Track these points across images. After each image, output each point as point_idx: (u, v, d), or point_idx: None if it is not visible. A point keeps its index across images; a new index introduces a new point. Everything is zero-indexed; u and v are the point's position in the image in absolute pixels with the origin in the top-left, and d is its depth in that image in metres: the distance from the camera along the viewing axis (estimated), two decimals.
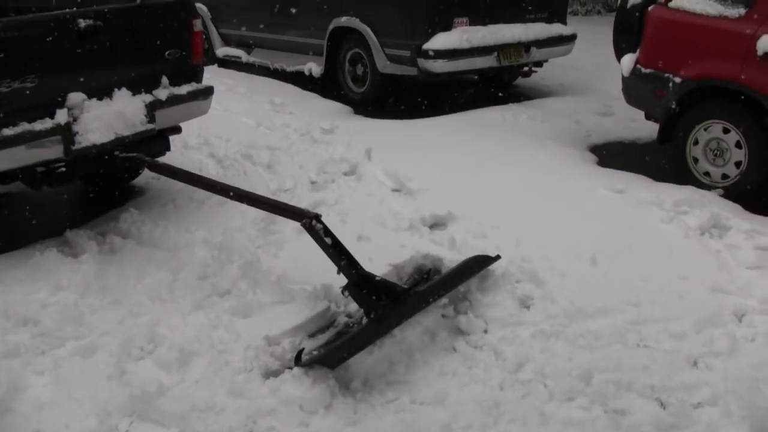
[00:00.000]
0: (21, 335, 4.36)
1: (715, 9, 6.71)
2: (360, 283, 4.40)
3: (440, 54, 9.39)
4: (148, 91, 5.67)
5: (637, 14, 7.38)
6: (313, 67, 10.90)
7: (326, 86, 10.72)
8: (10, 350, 4.19)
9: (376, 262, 4.83)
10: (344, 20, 10.37)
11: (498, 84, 11.26)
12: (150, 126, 5.59)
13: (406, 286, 4.60)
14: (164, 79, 5.80)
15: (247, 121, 8.54)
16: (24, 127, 4.95)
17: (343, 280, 4.42)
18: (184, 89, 5.92)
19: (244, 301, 4.66)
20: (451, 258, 5.14)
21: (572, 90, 10.89)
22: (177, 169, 5.46)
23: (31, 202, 6.19)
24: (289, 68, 11.33)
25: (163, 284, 4.88)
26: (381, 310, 4.27)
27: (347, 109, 9.89)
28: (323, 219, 4.60)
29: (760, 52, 6.27)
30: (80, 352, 4.19)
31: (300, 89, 10.56)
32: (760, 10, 6.42)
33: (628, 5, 7.50)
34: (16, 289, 4.83)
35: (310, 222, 4.54)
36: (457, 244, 5.38)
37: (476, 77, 11.52)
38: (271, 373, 4.00)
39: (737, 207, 6.19)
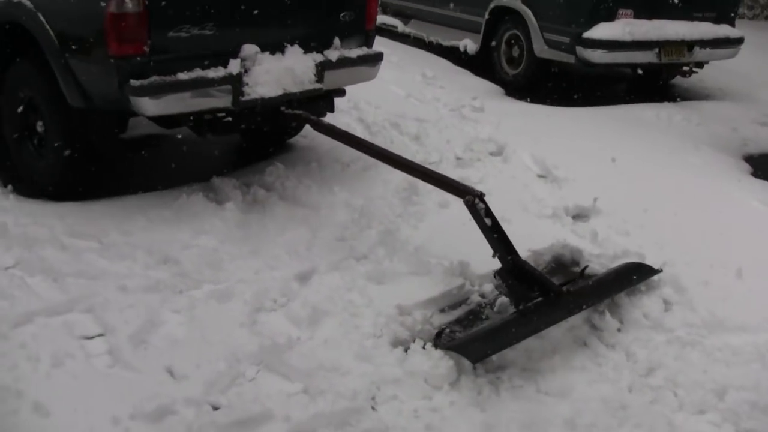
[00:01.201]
0: (161, 272, 4.47)
1: None
2: (514, 271, 4.29)
3: (600, 44, 9.19)
4: (320, 50, 5.64)
5: None
6: (469, 44, 10.83)
7: (479, 64, 10.62)
8: (150, 285, 4.31)
9: (517, 245, 4.77)
10: (505, 0, 10.25)
11: (655, 81, 10.97)
12: (318, 85, 5.57)
13: (560, 285, 4.42)
14: (336, 41, 5.77)
15: (398, 90, 8.53)
16: (198, 73, 4.99)
17: (492, 263, 4.36)
18: (354, 53, 5.86)
19: (379, 268, 4.66)
20: (591, 251, 5.05)
21: (731, 95, 10.51)
22: (341, 130, 5.44)
23: (182, 147, 6.33)
24: (445, 43, 11.28)
25: (302, 241, 4.94)
26: (531, 304, 4.17)
27: (498, 89, 9.79)
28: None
29: None
30: (216, 296, 4.27)
31: (452, 65, 10.50)
32: None
33: None
34: (162, 228, 4.96)
35: (473, 200, 4.43)
36: (599, 238, 5.29)
37: (633, 71, 11.23)
38: (399, 342, 4.01)
39: None
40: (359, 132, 6.82)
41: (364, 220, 5.17)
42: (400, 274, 4.63)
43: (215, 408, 3.48)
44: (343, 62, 5.75)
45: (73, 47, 4.95)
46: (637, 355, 4.13)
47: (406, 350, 3.93)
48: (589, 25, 9.27)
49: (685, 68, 10.47)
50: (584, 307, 4.31)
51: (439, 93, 8.72)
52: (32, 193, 5.44)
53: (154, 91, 4.82)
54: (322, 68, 5.56)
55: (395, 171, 5.44)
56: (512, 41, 10.39)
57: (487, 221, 4.40)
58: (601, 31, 9.22)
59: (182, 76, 4.93)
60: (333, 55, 5.69)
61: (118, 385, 3.55)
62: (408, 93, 8.50)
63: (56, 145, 5.32)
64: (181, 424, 3.35)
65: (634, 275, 4.68)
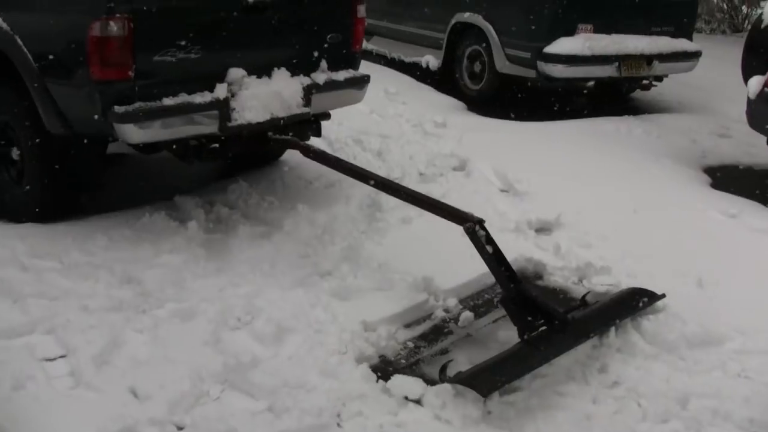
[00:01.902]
0: (124, 292, 4.45)
1: None
2: (517, 299, 4.22)
3: (561, 59, 9.25)
4: (307, 73, 5.56)
5: None
6: (431, 60, 10.88)
7: (442, 80, 10.67)
8: (112, 305, 4.29)
9: (479, 260, 4.78)
10: (467, 16, 10.31)
11: (615, 95, 11.07)
12: (305, 110, 5.50)
13: (565, 312, 4.34)
14: (323, 63, 5.69)
15: (360, 106, 8.52)
16: (184, 98, 4.92)
17: (456, 278, 4.34)
18: (341, 75, 5.80)
19: (343, 284, 4.67)
20: (555, 264, 5.09)
21: (690, 108, 10.62)
22: (332, 156, 5.38)
23: (143, 165, 6.30)
24: (407, 59, 11.34)
25: (266, 258, 4.93)
26: (537, 333, 4.11)
27: (461, 104, 9.82)
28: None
29: None
30: (179, 315, 4.25)
31: (415, 81, 10.53)
32: None
33: (763, 25, 7.29)
34: (124, 247, 4.94)
35: (474, 227, 4.34)
36: (561, 251, 5.33)
37: (593, 85, 11.34)
38: (364, 359, 4.01)
39: None
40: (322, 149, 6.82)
41: (327, 237, 5.17)
42: (365, 290, 4.63)
43: (180, 428, 3.47)
44: (331, 85, 5.68)
45: (53, 71, 4.88)
46: (601, 367, 4.14)
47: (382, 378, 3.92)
48: (550, 40, 9.32)
49: (645, 82, 10.56)
50: (591, 335, 4.25)
51: (401, 109, 8.74)
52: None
53: (139, 118, 4.73)
54: (309, 92, 5.49)
55: (358, 187, 5.48)
56: (474, 57, 10.44)
57: (489, 248, 4.32)
58: (562, 46, 9.29)
59: (168, 101, 4.85)
60: (320, 78, 5.61)
61: (80, 407, 3.52)
62: (371, 109, 8.51)
63: (33, 172, 5.23)
64: None
65: (637, 301, 4.62)
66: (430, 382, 3.90)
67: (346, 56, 5.91)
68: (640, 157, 7.84)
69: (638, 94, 11.19)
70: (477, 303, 4.83)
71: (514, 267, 4.89)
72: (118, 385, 3.68)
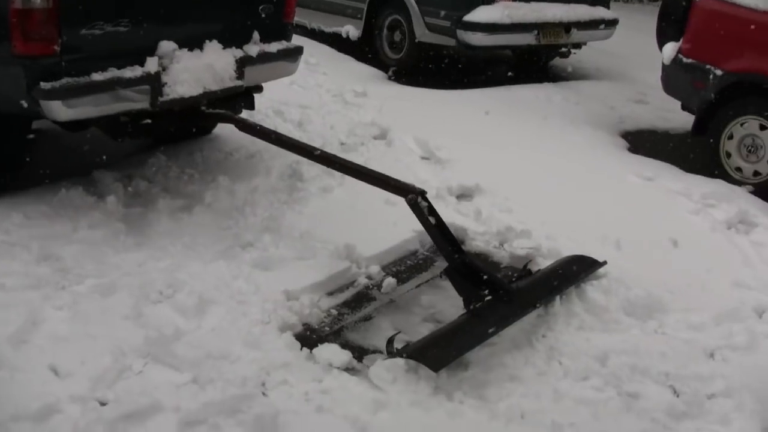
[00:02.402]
0: (42, 269, 4.35)
1: (765, 3, 6.61)
2: (462, 269, 4.21)
3: (480, 27, 9.30)
4: (239, 46, 5.43)
5: (684, 3, 7.28)
6: (351, 30, 10.83)
7: (362, 50, 10.65)
8: (30, 283, 4.19)
9: (401, 226, 4.84)
10: None
11: (535, 63, 11.17)
12: (238, 82, 5.38)
13: (509, 282, 4.37)
14: (255, 35, 5.57)
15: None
16: (113, 73, 4.72)
17: (378, 244, 4.34)
18: (274, 47, 5.68)
19: (265, 255, 4.66)
20: (476, 229, 5.15)
21: (608, 75, 10.79)
22: (269, 130, 5.28)
23: (58, 140, 6.17)
24: (327, 29, 11.27)
25: (186, 231, 4.88)
26: (483, 303, 4.11)
27: (381, 74, 9.83)
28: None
29: None
30: (99, 291, 4.19)
31: (335, 51, 10.49)
32: None
33: None
34: (41, 223, 4.82)
35: (416, 198, 4.31)
36: (482, 217, 5.39)
37: (512, 53, 11.42)
38: (287, 327, 4.01)
39: (766, 205, 6.16)
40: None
41: (248, 208, 5.14)
42: (287, 260, 4.63)
43: (102, 404, 3.41)
44: (264, 57, 5.57)
45: None
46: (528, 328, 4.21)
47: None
48: (469, 8, 9.36)
49: (564, 50, 10.71)
50: (537, 305, 4.27)
51: (322, 79, 8.71)
52: None
53: (67, 94, 4.52)
54: (242, 64, 5.37)
55: (278, 158, 5.46)
56: (394, 26, 10.43)
57: (432, 220, 4.31)
58: (481, 14, 9.33)
59: (97, 76, 4.65)
60: (253, 50, 5.48)
61: None
62: (291, 80, 8.42)
63: None
64: (67, 422, 3.27)
65: (579, 268, 4.66)
66: (356, 349, 3.93)
67: (278, 27, 5.80)
68: (559, 124, 7.96)
69: (557, 61, 11.33)
70: (399, 269, 4.87)
71: None
72: (37, 364, 3.60)
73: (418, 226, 4.90)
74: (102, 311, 4.03)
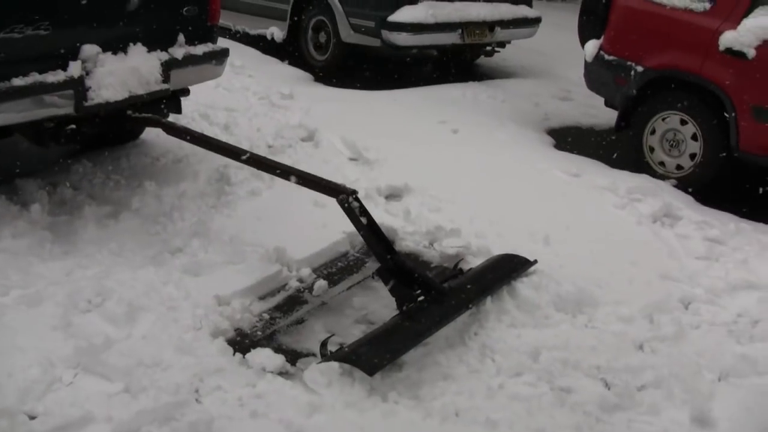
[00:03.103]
0: None
1: (682, 1, 6.76)
2: (394, 271, 4.18)
3: (404, 27, 9.35)
4: (164, 48, 5.32)
5: (603, 0, 7.40)
6: (276, 32, 10.78)
7: (288, 52, 10.62)
8: None
9: (331, 228, 4.83)
10: None
11: (460, 61, 11.25)
12: (164, 86, 5.26)
13: (441, 282, 4.36)
14: (180, 37, 5.46)
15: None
16: (35, 78, 4.60)
17: (307, 247, 4.33)
18: (199, 49, 5.58)
19: (195, 260, 4.61)
20: (405, 229, 5.17)
21: (533, 73, 10.92)
22: (198, 134, 5.20)
23: None
24: (252, 31, 11.20)
25: (114, 238, 4.81)
26: (416, 305, 4.11)
27: (308, 76, 9.82)
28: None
29: (722, 47, 6.35)
30: (26, 302, 4.10)
31: (261, 53, 10.44)
32: (724, 5, 6.48)
33: None
34: None
35: (347, 199, 4.27)
36: (411, 216, 5.41)
37: (438, 53, 11.49)
38: (220, 333, 3.98)
39: (689, 198, 6.30)
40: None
41: (176, 213, 5.09)
42: (216, 265, 4.59)
43: (32, 417, 3.35)
44: (189, 60, 5.47)
45: None
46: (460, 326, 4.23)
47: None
48: (393, 9, 9.41)
49: (488, 48, 10.82)
50: (470, 306, 4.27)
51: (248, 82, 8.66)
52: None
53: None
54: (168, 67, 5.28)
55: (206, 162, 5.42)
56: (319, 27, 10.41)
57: (363, 220, 4.28)
58: (405, 14, 9.38)
59: (17, 81, 4.53)
60: (178, 52, 5.39)
61: None
62: (216, 83, 8.35)
63: None
64: None
65: (511, 268, 4.67)
66: (289, 353, 3.92)
67: (203, 29, 5.70)
68: (485, 121, 8.02)
69: (483, 60, 11.44)
70: (331, 271, 4.86)
71: None
72: None
73: (348, 227, 4.90)
74: (29, 322, 3.94)
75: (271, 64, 10.02)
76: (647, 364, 4.00)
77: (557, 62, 11.14)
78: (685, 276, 4.98)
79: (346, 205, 4.28)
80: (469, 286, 4.42)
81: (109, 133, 5.82)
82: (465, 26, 9.72)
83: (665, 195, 6.12)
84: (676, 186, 6.59)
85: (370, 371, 3.64)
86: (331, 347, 3.84)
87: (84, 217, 5.01)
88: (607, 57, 7.36)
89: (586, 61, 7.65)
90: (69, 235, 4.85)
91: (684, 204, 6.07)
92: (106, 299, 4.17)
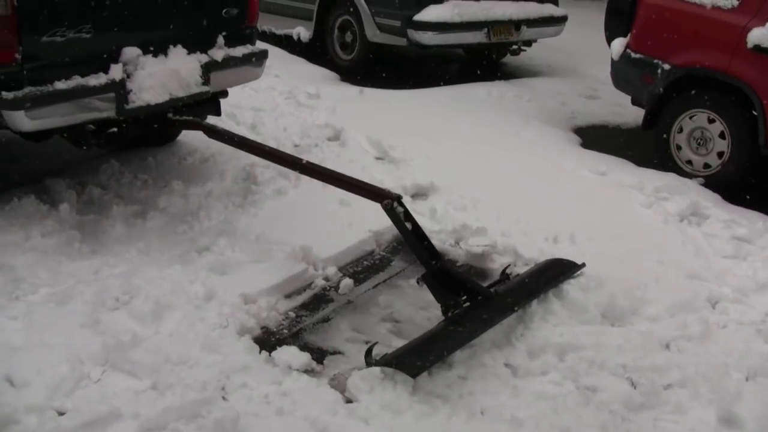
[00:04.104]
0: None
1: None
2: (440, 276, 4.14)
3: (430, 26, 9.35)
4: (204, 50, 5.30)
5: None
6: (302, 32, 10.80)
7: (314, 52, 10.64)
8: None
9: (357, 227, 4.84)
10: None
11: (486, 61, 11.22)
12: (205, 88, 5.24)
13: (488, 287, 4.32)
14: (220, 39, 5.43)
15: None
16: (77, 81, 4.59)
17: (334, 246, 4.32)
18: (239, 51, 5.55)
19: (221, 259, 4.64)
20: (431, 228, 5.16)
21: (559, 71, 10.87)
22: (239, 137, 5.17)
23: (7, 146, 6.08)
24: (278, 31, 11.23)
25: (141, 237, 4.86)
26: (461, 310, 4.07)
27: (334, 75, 9.82)
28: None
29: (749, 45, 6.30)
30: (54, 300, 4.15)
31: (287, 53, 10.46)
32: (753, 2, 6.43)
33: None
34: None
35: (392, 204, 4.22)
36: (437, 215, 5.41)
37: (464, 52, 11.48)
38: (246, 331, 4.01)
39: (717, 197, 6.25)
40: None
41: (203, 212, 5.12)
42: (243, 263, 4.62)
43: (60, 413, 3.39)
44: (229, 62, 5.44)
45: None
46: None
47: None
48: (419, 8, 9.40)
49: (514, 47, 10.76)
50: (516, 309, 4.22)
51: (274, 82, 8.66)
52: None
53: (30, 104, 4.40)
54: (207, 69, 5.25)
55: (232, 161, 5.43)
56: (345, 27, 10.42)
57: (408, 225, 4.23)
58: (431, 13, 9.37)
59: (60, 85, 4.53)
60: (218, 54, 5.36)
61: None
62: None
63: None
64: None
65: (558, 271, 4.64)
66: (315, 351, 3.94)
67: (242, 31, 5.67)
68: (512, 120, 8.00)
69: (509, 59, 11.40)
70: (356, 270, 4.88)
71: (391, 233, 4.97)
72: None
73: (374, 226, 4.96)
74: (58, 320, 3.99)
75: (297, 64, 10.03)
76: (674, 363, 3.98)
77: (584, 61, 11.08)
78: (712, 275, 4.96)
79: (391, 210, 4.23)
80: (515, 291, 4.36)
81: (148, 136, 5.81)
82: (491, 25, 9.69)
83: (692, 193, 6.09)
84: (703, 184, 6.54)
85: (413, 373, 3.62)
86: (376, 355, 3.80)
87: (112, 216, 5.06)
88: (633, 55, 7.33)
89: (612, 59, 7.62)
90: (97, 234, 4.90)
91: (711, 203, 6.03)
92: (134, 297, 4.22)
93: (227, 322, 4.05)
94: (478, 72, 10.21)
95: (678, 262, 5.05)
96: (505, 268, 4.74)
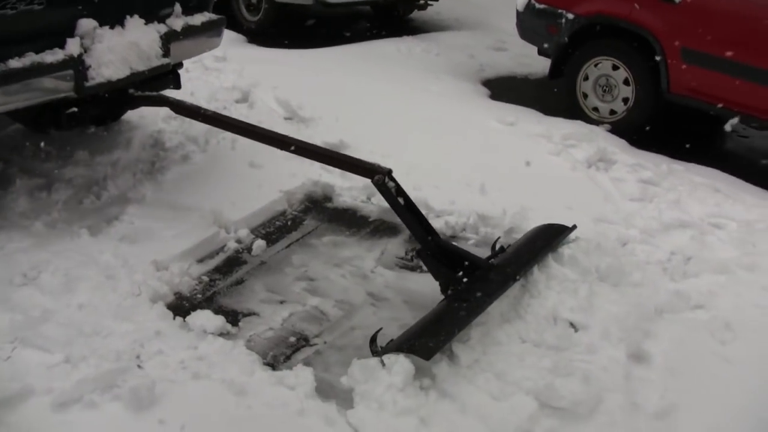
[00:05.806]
0: None
1: None
2: (436, 251, 4.01)
3: None
4: (161, 20, 4.93)
5: None
6: None
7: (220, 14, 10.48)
8: None
9: (267, 188, 4.81)
10: None
11: (393, 17, 11.21)
12: (165, 60, 4.88)
13: (487, 259, 4.13)
14: (177, 7, 5.04)
15: None
16: (32, 58, 4.20)
17: (244, 207, 4.27)
18: (197, 19, 5.18)
19: (131, 227, 4.58)
20: (342, 185, 5.16)
21: (467, 25, 10.92)
22: (210, 111, 4.89)
23: None
24: None
25: (47, 210, 4.74)
26: (461, 285, 3.89)
27: (240, 37, 9.72)
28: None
29: None
30: None
31: None
32: None
33: None
34: None
35: (383, 179, 4.04)
36: (347, 173, 5.39)
37: (371, 9, 11.44)
38: (159, 297, 3.97)
39: (623, 142, 6.38)
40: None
41: (110, 182, 5.02)
42: (154, 231, 4.55)
43: None
44: (189, 31, 5.09)
45: None
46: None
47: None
48: None
49: (421, 2, 10.79)
50: (518, 278, 3.99)
51: None
52: None
53: None
54: (167, 40, 4.91)
55: (139, 128, 5.35)
56: None
57: (400, 200, 4.07)
58: None
59: (14, 63, 4.16)
60: (177, 24, 5.01)
61: None
62: None
63: None
64: None
65: (551, 236, 4.43)
66: (229, 313, 3.93)
67: None
68: (421, 75, 8.03)
69: (416, 14, 11.42)
70: (269, 231, 4.85)
71: (302, 192, 4.95)
72: None
73: (284, 186, 4.92)
74: None
75: None
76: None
77: (491, 13, 11.15)
78: (620, 218, 5.06)
79: (382, 185, 4.08)
80: (513, 260, 4.15)
81: (106, 115, 5.50)
82: None
83: (599, 140, 6.20)
84: (610, 131, 6.67)
85: (427, 356, 3.44)
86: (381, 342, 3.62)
87: (15, 190, 4.92)
88: (538, 6, 7.39)
89: (518, 10, 7.68)
90: (1, 209, 4.78)
91: (618, 148, 6.14)
92: (42, 272, 4.13)
93: (140, 291, 4.00)
94: (386, 29, 10.20)
95: (587, 207, 5.14)
96: (495, 242, 4.48)
